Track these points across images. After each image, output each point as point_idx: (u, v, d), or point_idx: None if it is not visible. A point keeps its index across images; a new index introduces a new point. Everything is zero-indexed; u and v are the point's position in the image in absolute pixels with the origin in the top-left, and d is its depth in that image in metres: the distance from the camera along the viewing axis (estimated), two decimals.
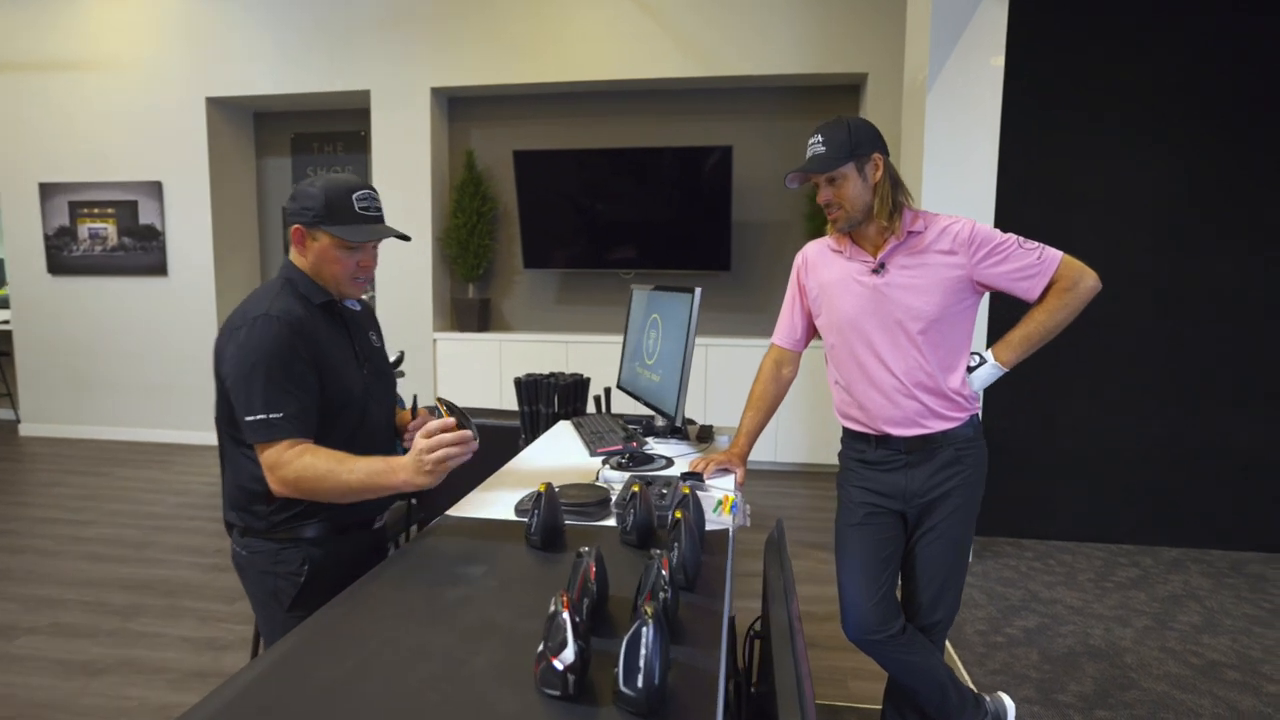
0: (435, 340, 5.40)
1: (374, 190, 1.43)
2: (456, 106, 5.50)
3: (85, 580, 3.21)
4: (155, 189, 5.48)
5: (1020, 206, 3.41)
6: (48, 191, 5.61)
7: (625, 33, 4.91)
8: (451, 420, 1.24)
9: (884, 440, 1.69)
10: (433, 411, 1.42)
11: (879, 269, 1.63)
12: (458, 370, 5.40)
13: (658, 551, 0.91)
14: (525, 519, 1.38)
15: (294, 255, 1.44)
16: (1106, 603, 2.99)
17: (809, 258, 1.81)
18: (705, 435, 2.11)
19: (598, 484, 1.58)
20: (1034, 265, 1.56)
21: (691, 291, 1.82)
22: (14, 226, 5.74)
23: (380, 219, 1.44)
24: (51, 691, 2.39)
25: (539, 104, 5.39)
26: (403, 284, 5.39)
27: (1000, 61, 3.16)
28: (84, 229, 5.58)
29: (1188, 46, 3.43)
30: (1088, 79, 3.49)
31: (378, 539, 1.60)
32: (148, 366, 5.64)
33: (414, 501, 2.33)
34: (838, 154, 1.59)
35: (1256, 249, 3.47)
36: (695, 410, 4.86)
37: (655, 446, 2.00)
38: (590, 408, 2.81)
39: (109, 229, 5.55)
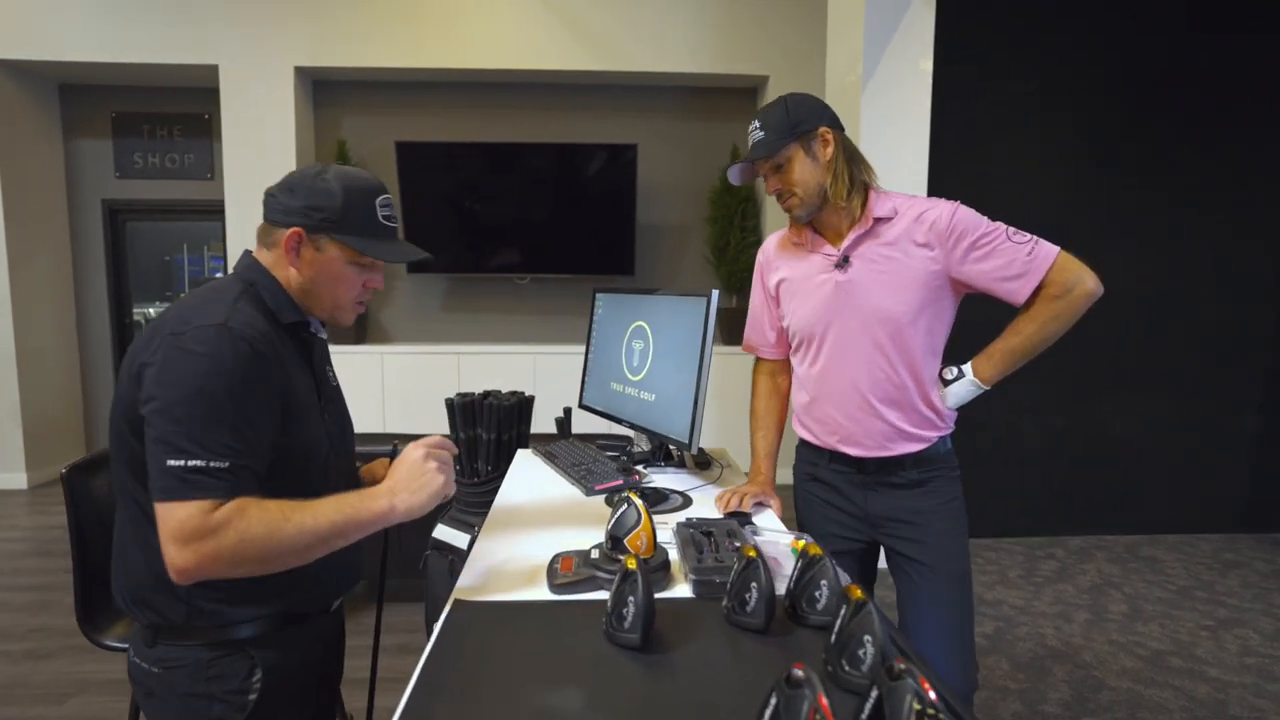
0: None
1: (390, 194, 1.14)
2: (325, 90, 4.85)
3: None
4: None
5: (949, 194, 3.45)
6: None
7: (521, 19, 4.54)
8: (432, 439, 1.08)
9: (837, 457, 1.50)
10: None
11: (842, 262, 1.43)
12: None
13: (901, 666, 0.62)
14: (564, 595, 1.05)
15: (269, 260, 1.09)
16: (1044, 599, 3.06)
17: (769, 254, 1.60)
18: (703, 461, 1.84)
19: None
20: (1023, 263, 1.34)
21: (706, 295, 1.55)
22: None
23: (398, 232, 1.15)
24: None
25: (423, 92, 4.87)
26: None
27: (928, 65, 3.17)
28: None
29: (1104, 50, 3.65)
30: (1008, 77, 3.61)
31: (338, 625, 1.23)
32: None
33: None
34: (778, 135, 1.38)
35: (1146, 245, 3.74)
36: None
37: (654, 478, 1.70)
38: (535, 428, 2.45)
39: None
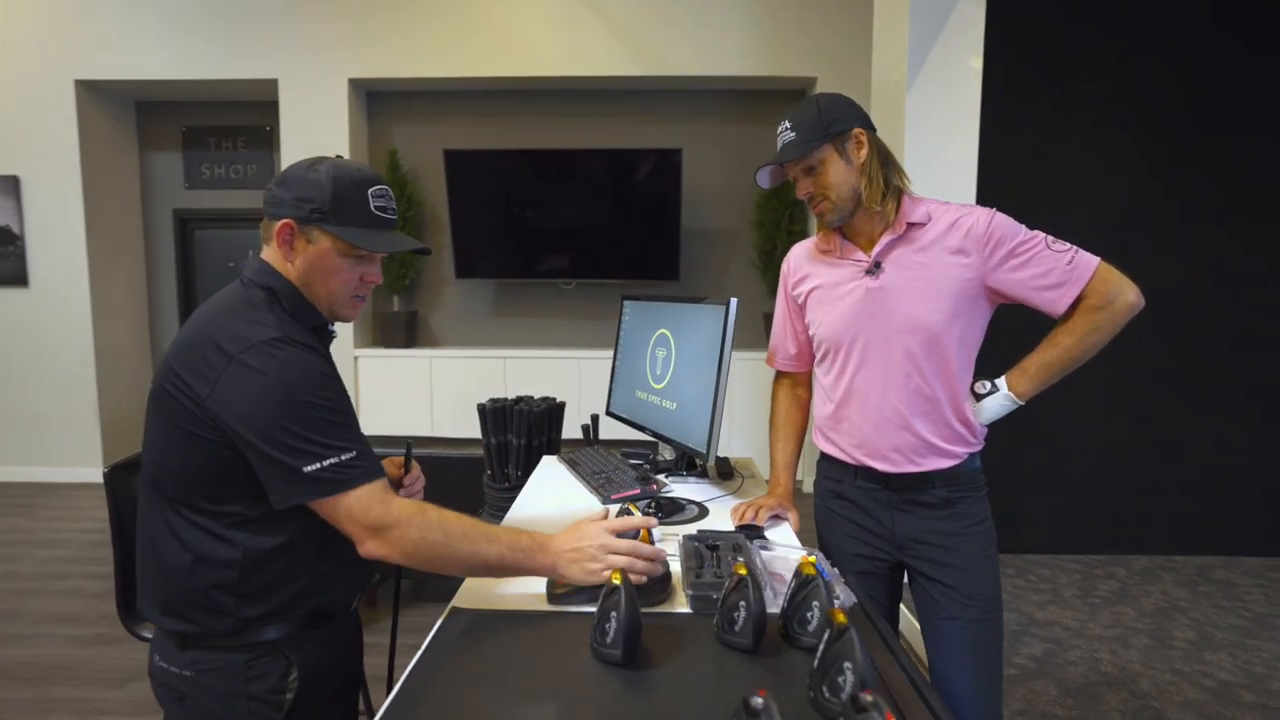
0: (356, 358, 4.87)
1: (389, 187, 1.10)
2: (378, 101, 5.00)
3: None
4: (11, 185, 4.67)
5: (1000, 203, 3.31)
6: None
7: (566, 27, 4.58)
8: (649, 522, 1.12)
9: (864, 473, 1.44)
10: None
11: (874, 269, 1.37)
12: (383, 391, 4.89)
13: (869, 699, 0.59)
14: (561, 607, 1.04)
15: (274, 259, 1.07)
16: (1100, 621, 2.89)
17: (794, 263, 1.55)
18: (726, 471, 1.81)
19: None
20: (1062, 272, 1.28)
21: (725, 304, 1.52)
22: None
23: (395, 223, 1.11)
24: None
25: (471, 101, 4.97)
26: None
27: (978, 64, 3.06)
28: None
29: (1169, 44, 3.46)
30: (1067, 78, 3.45)
31: (356, 625, 1.24)
32: (6, 392, 4.80)
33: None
34: (810, 136, 1.33)
35: (1223, 257, 3.52)
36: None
37: (674, 488, 1.68)
38: (566, 435, 2.46)
39: None
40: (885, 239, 1.37)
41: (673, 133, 4.90)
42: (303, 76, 4.64)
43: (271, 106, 4.80)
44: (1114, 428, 3.59)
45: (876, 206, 1.35)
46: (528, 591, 1.10)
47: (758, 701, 0.59)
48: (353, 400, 4.79)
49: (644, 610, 1.02)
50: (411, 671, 0.86)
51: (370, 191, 1.06)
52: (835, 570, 1.16)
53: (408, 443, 1.38)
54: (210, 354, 0.96)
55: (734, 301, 1.51)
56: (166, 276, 5.32)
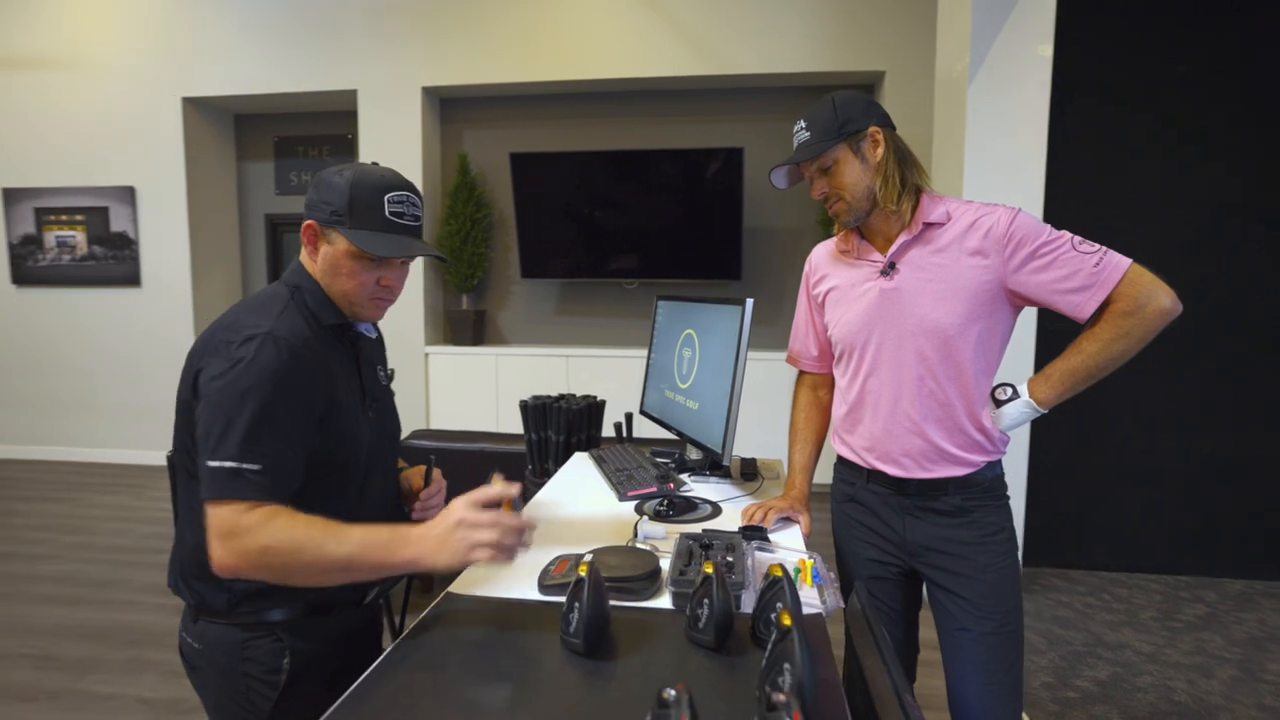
0: (427, 354, 5.08)
1: (414, 192, 1.12)
2: (449, 107, 5.19)
3: (35, 628, 2.86)
4: (128, 194, 5.14)
5: (1070, 206, 3.13)
6: (12, 197, 5.25)
7: (628, 29, 4.63)
8: (510, 492, 0.97)
9: (876, 477, 1.40)
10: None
11: (888, 269, 1.34)
12: (451, 387, 5.08)
13: (782, 699, 0.59)
14: (550, 597, 1.07)
15: (304, 258, 1.13)
16: (1181, 647, 2.69)
17: (814, 263, 1.53)
18: (750, 471, 1.80)
19: (639, 546, 1.27)
20: (1088, 274, 1.21)
21: (741, 304, 1.52)
22: None
23: (416, 229, 1.12)
24: None
25: (537, 104, 5.10)
26: None
27: (1049, 51, 2.89)
28: (51, 237, 5.23)
29: (1254, 38, 3.18)
30: (1144, 70, 3.23)
31: (371, 615, 1.26)
32: (119, 383, 5.27)
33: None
34: (824, 135, 1.31)
35: None
36: None
37: (694, 487, 1.69)
38: (606, 432, 2.50)
39: (78, 237, 5.20)
40: (901, 239, 1.33)
41: (735, 131, 4.87)
42: (380, 86, 4.88)
43: (352, 116, 5.08)
44: (1209, 438, 3.32)
45: (892, 206, 1.32)
46: (525, 581, 1.14)
47: (670, 694, 0.60)
48: (423, 395, 5.02)
49: (631, 604, 1.04)
50: (389, 652, 0.91)
51: (388, 197, 1.07)
52: (832, 575, 1.15)
53: (430, 455, 1.39)
54: (213, 340, 1.02)
55: (750, 302, 1.50)
56: (259, 276, 5.71)
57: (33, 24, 5.14)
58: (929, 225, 1.32)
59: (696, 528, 1.37)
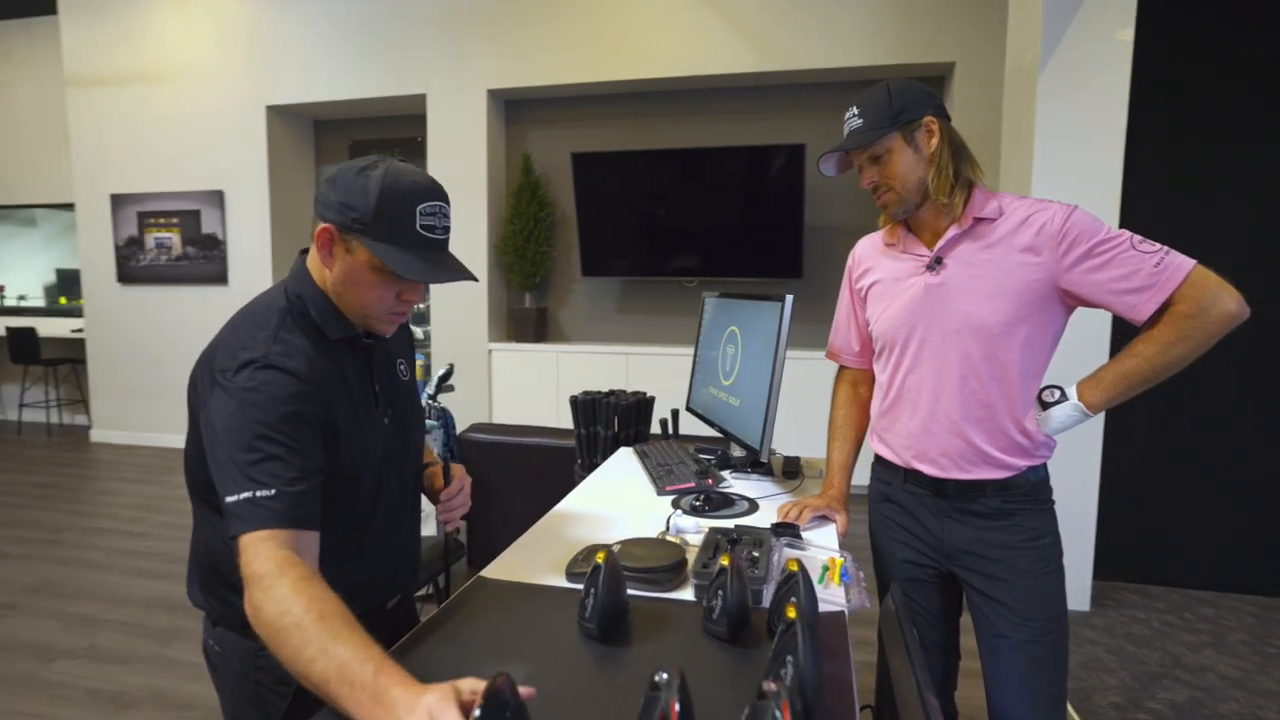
0: (490, 351, 5.21)
1: (446, 201, 1.00)
2: (514, 109, 5.31)
3: (128, 598, 3.09)
4: (217, 198, 5.48)
5: (1151, 203, 2.95)
6: (118, 202, 5.69)
7: (688, 27, 4.63)
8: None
9: (913, 476, 1.36)
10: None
11: (934, 264, 1.30)
12: (513, 383, 5.20)
13: (772, 688, 0.59)
14: (575, 584, 1.09)
15: (312, 263, 1.03)
16: (1275, 675, 2.50)
17: (859, 256, 1.50)
18: (792, 470, 1.78)
19: (669, 538, 1.28)
20: (1148, 274, 1.15)
21: (780, 300, 1.50)
22: (88, 237, 5.85)
23: (445, 242, 1.01)
24: None
25: (599, 104, 5.16)
26: (458, 293, 5.22)
27: (1129, 36, 2.74)
28: (151, 238, 5.63)
29: None
30: (1232, 57, 3.02)
31: (401, 618, 1.20)
32: None
33: (460, 537, 2.04)
34: (878, 123, 1.27)
35: None
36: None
37: (734, 484, 1.68)
38: (656, 429, 2.51)
39: (174, 238, 5.58)
40: (950, 233, 1.30)
41: (797, 128, 4.80)
42: (447, 90, 5.04)
43: (421, 119, 5.26)
44: None
45: (944, 199, 1.28)
46: (555, 569, 1.16)
47: (663, 677, 0.61)
48: (485, 391, 5.15)
49: (655, 594, 1.05)
50: (413, 632, 0.95)
51: (420, 208, 0.96)
52: (861, 574, 1.13)
53: (445, 456, 1.40)
54: (209, 369, 0.97)
55: (789, 299, 1.49)
56: None
57: (136, 43, 5.54)
58: (979, 220, 1.28)
59: (731, 523, 1.37)
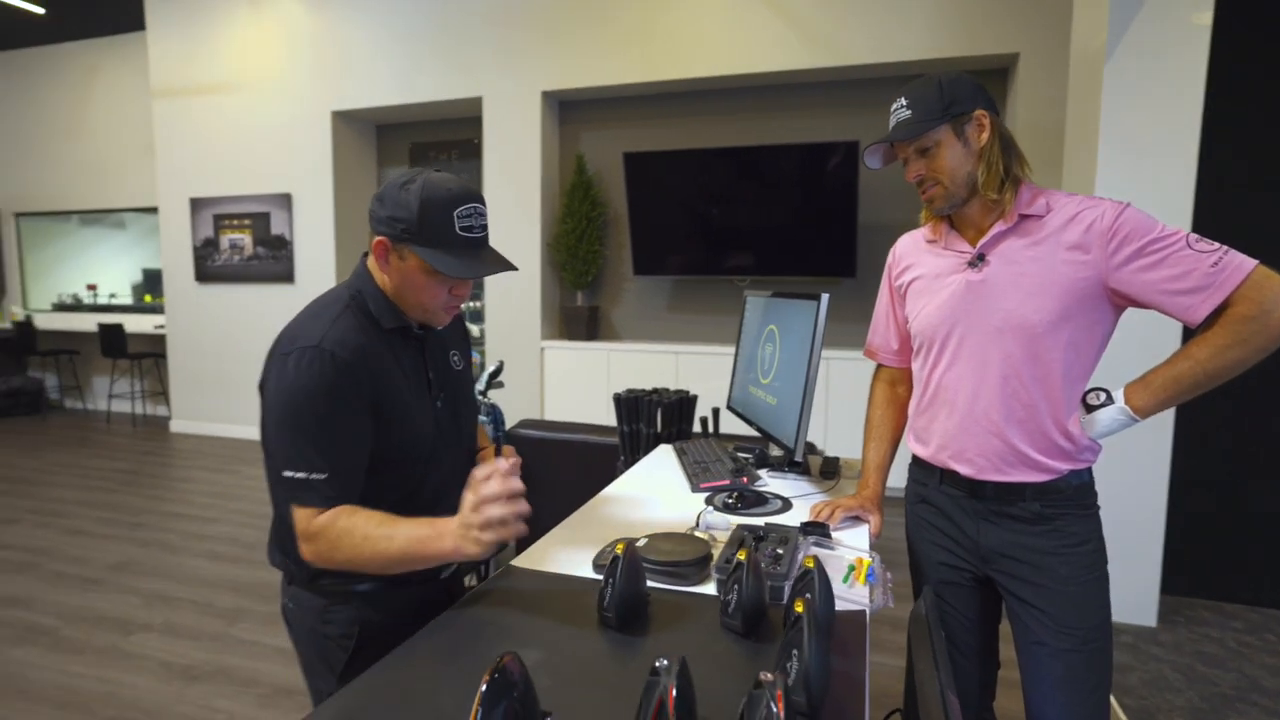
0: (543, 349, 5.30)
1: (480, 202, 1.12)
2: (568, 110, 5.38)
3: (199, 579, 3.27)
4: (285, 201, 5.74)
5: (1229, 200, 2.79)
6: (196, 205, 6.02)
7: (741, 24, 4.60)
8: (501, 465, 0.96)
9: (949, 477, 1.33)
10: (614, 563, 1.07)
11: (976, 261, 1.27)
12: (564, 381, 5.27)
13: (768, 678, 0.60)
14: (601, 575, 1.11)
15: (373, 266, 1.16)
16: None
17: (899, 252, 1.47)
18: (830, 470, 1.76)
19: (697, 533, 1.29)
20: (1204, 274, 1.09)
21: (816, 298, 1.49)
22: (169, 239, 6.21)
23: (484, 239, 1.13)
24: (152, 694, 2.38)
25: (651, 104, 5.18)
26: (511, 291, 5.33)
27: (1207, 19, 2.59)
28: (225, 240, 5.94)
29: None
30: None
31: (449, 588, 1.32)
32: None
33: None
34: (927, 115, 1.24)
35: None
36: (812, 435, 4.44)
37: (769, 483, 1.68)
38: (697, 428, 2.52)
39: (245, 239, 5.87)
40: (994, 230, 1.26)
41: (851, 125, 4.71)
42: (502, 92, 5.15)
43: (478, 121, 5.39)
44: None
45: (993, 194, 1.24)
46: (583, 561, 1.19)
47: (663, 663, 0.63)
48: (538, 388, 5.24)
49: (678, 588, 1.07)
50: (440, 616, 0.99)
51: (457, 212, 1.07)
52: (889, 575, 1.12)
53: (498, 438, 1.47)
54: (276, 350, 1.10)
55: (825, 297, 1.48)
56: None
57: (215, 56, 5.85)
58: (1025, 217, 1.25)
59: (762, 521, 1.37)
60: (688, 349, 5.00)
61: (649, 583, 1.05)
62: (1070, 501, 1.25)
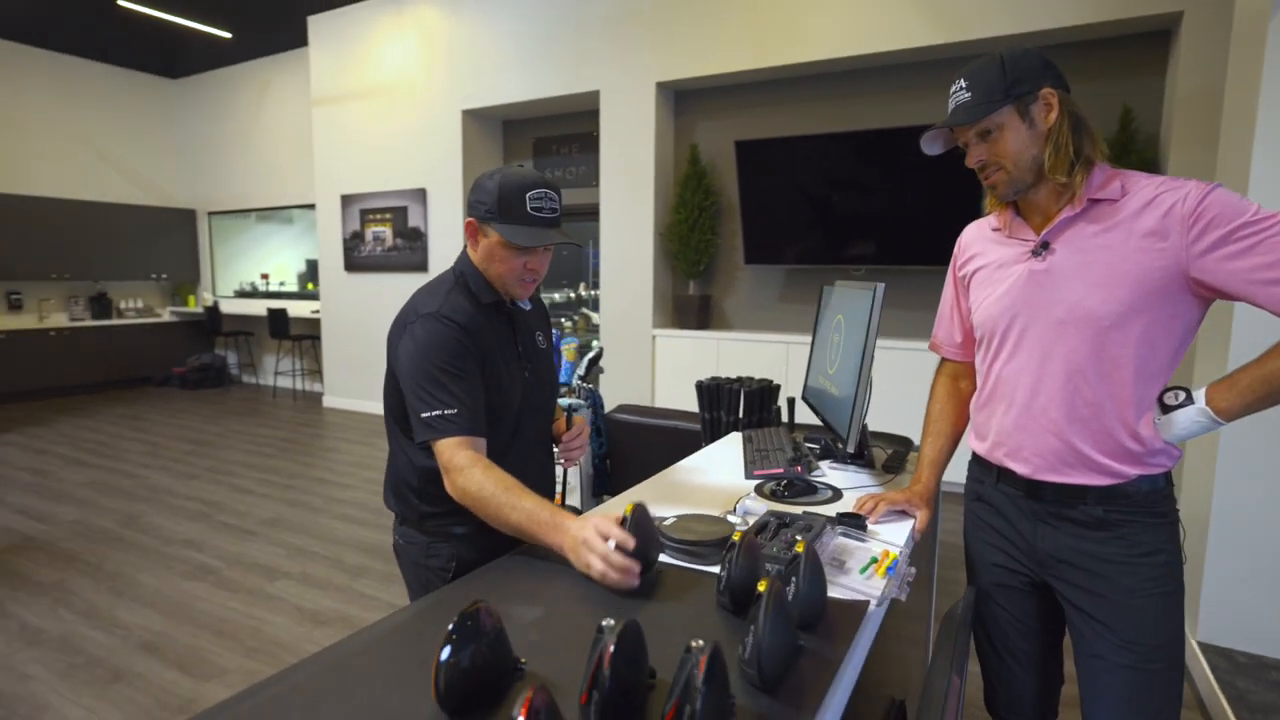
0: (654, 337, 5.40)
1: (552, 189, 1.32)
2: (682, 100, 5.43)
3: (333, 537, 3.67)
4: (420, 195, 6.21)
5: None
6: (346, 202, 6.65)
7: (856, 3, 4.42)
8: (631, 542, 1.02)
9: (1006, 475, 1.25)
10: (624, 523, 1.05)
11: (1040, 249, 1.19)
12: (675, 368, 5.34)
13: (697, 644, 0.64)
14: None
15: (468, 249, 1.39)
16: None
17: (965, 242, 1.39)
18: (895, 464, 1.71)
19: (729, 517, 1.31)
20: None
21: (872, 289, 1.46)
22: (324, 232, 6.90)
23: (554, 221, 1.33)
24: (286, 633, 2.72)
25: (766, 90, 5.11)
26: (624, 280, 5.46)
27: None
28: (370, 232, 6.52)
29: None
30: None
31: None
32: None
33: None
34: (988, 96, 1.16)
35: None
36: (902, 426, 4.24)
37: (829, 474, 1.66)
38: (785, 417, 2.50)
39: (387, 232, 6.42)
40: (1063, 215, 1.18)
41: None
42: (618, 85, 5.27)
43: (595, 115, 5.55)
44: None
45: (1062, 178, 1.16)
46: None
47: (609, 622, 0.68)
48: (649, 375, 5.35)
49: (696, 566, 1.11)
50: (480, 570, 1.09)
51: (529, 195, 1.29)
52: (911, 570, 1.10)
53: (570, 405, 1.62)
54: (402, 322, 1.34)
55: (880, 287, 1.44)
56: None
57: (364, 65, 6.42)
58: (1096, 201, 1.16)
59: (800, 510, 1.37)
60: (799, 339, 4.91)
61: (669, 559, 1.10)
62: (1139, 508, 1.16)
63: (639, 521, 1.03)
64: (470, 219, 1.33)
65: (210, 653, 2.57)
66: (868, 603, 0.96)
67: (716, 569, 1.10)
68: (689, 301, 5.40)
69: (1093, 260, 1.14)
